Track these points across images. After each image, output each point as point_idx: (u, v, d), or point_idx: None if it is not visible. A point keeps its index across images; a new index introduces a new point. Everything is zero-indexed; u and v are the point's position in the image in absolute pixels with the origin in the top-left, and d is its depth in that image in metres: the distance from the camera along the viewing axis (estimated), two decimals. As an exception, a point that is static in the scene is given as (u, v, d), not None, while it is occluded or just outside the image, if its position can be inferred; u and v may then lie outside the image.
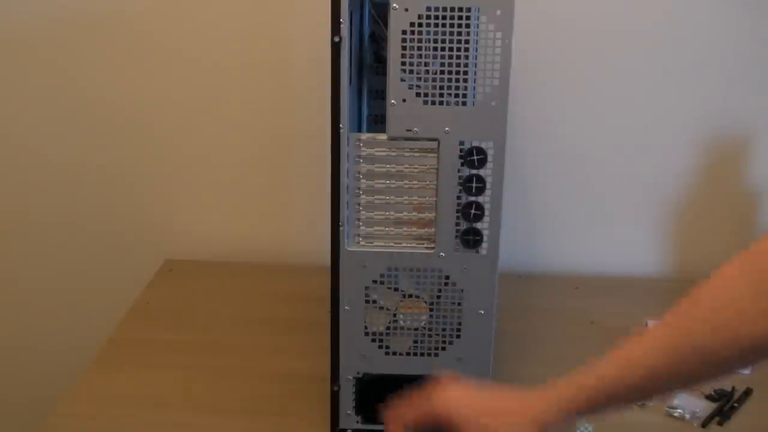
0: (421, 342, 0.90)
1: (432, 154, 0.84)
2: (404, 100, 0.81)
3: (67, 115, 1.39)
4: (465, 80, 0.81)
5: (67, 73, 1.37)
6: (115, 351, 1.13)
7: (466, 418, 0.69)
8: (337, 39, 0.80)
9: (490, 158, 0.83)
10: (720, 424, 0.98)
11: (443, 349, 0.90)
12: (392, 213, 0.87)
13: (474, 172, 0.83)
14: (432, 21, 0.79)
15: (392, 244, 0.87)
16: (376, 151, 0.85)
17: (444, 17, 0.79)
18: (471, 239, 0.85)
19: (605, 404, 0.66)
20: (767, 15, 1.28)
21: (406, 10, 0.79)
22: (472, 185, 0.83)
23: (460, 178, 0.84)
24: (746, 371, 1.08)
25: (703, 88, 1.32)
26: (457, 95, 0.81)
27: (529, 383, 1.06)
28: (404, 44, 0.80)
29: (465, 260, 0.86)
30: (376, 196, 0.86)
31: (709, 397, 1.03)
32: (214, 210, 1.45)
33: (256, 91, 1.37)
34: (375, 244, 0.88)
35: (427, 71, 0.81)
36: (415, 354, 0.90)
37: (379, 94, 1.00)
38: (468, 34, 0.79)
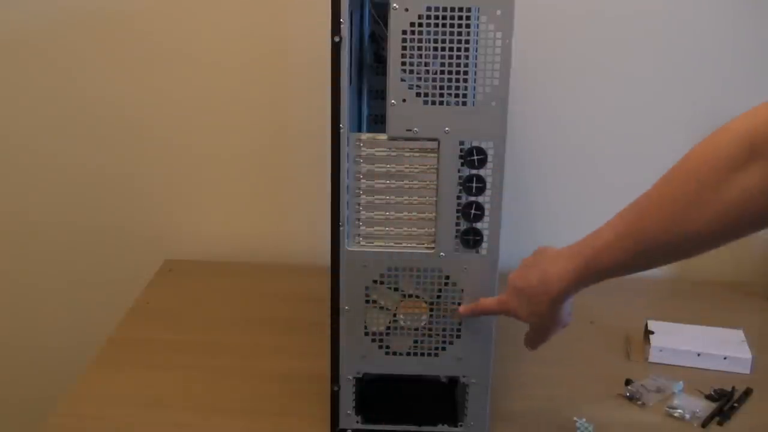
0: (421, 342, 0.90)
1: (432, 154, 0.84)
2: (404, 100, 0.81)
3: (66, 115, 1.39)
4: (465, 80, 0.81)
5: (66, 72, 1.37)
6: (115, 351, 1.13)
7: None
8: (337, 39, 0.80)
9: (490, 158, 0.83)
10: (720, 424, 0.98)
11: (443, 349, 0.90)
12: (392, 213, 0.87)
13: (474, 172, 0.83)
14: (432, 21, 0.79)
15: (392, 244, 0.87)
16: (376, 151, 0.85)
17: (444, 17, 0.79)
18: (471, 239, 0.85)
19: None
20: (767, 15, 1.28)
21: (406, 10, 0.79)
22: (472, 185, 0.83)
23: (460, 178, 0.84)
24: (746, 371, 1.09)
25: (702, 88, 1.32)
26: (457, 95, 0.81)
27: (529, 383, 1.06)
28: (404, 44, 0.80)
29: (465, 260, 0.86)
30: (376, 196, 0.86)
31: (709, 397, 1.03)
32: (214, 210, 1.45)
33: (256, 91, 1.37)
34: (375, 244, 0.88)
35: (427, 71, 0.81)
36: (415, 354, 0.90)
37: (379, 94, 1.00)
38: (468, 34, 0.79)
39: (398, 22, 0.79)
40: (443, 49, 0.80)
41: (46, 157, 1.42)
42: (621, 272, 0.75)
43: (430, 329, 0.89)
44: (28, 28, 1.35)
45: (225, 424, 0.98)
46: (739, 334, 1.15)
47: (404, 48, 0.80)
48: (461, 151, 0.83)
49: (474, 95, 0.81)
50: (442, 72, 0.80)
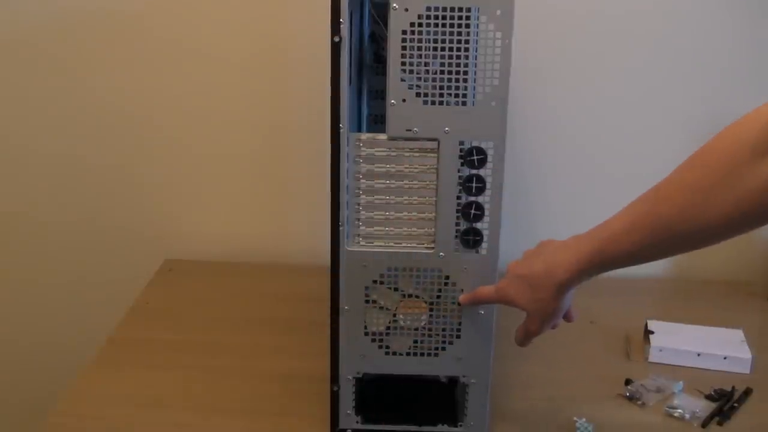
0: (421, 342, 0.90)
1: (432, 154, 0.84)
2: (404, 100, 0.81)
3: (66, 114, 1.40)
4: (465, 80, 0.81)
5: (65, 72, 1.37)
6: (115, 351, 1.13)
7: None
8: (337, 39, 0.80)
9: (490, 158, 0.83)
10: (720, 424, 0.98)
11: (443, 349, 0.90)
12: (392, 213, 0.87)
13: (474, 172, 0.83)
14: (432, 21, 0.79)
15: (392, 244, 0.87)
16: (376, 151, 0.85)
17: (444, 17, 0.79)
18: (471, 239, 0.85)
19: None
20: (766, 15, 1.28)
21: (406, 10, 0.79)
22: (472, 185, 0.83)
23: (460, 178, 0.84)
24: (746, 371, 1.09)
25: (703, 88, 1.32)
26: (457, 95, 0.81)
27: (529, 383, 1.06)
28: (404, 44, 0.80)
29: (465, 260, 0.86)
30: (376, 196, 0.86)
31: (709, 397, 1.03)
32: (214, 210, 1.45)
33: (256, 91, 1.37)
34: (375, 244, 0.88)
35: (427, 71, 0.81)
36: (415, 354, 0.90)
37: (379, 94, 1.00)
38: (468, 34, 0.79)
39: (398, 22, 0.79)
40: (443, 49, 0.80)
41: (45, 156, 1.42)
42: (627, 263, 0.75)
43: (429, 329, 0.89)
44: (28, 27, 1.35)
45: (225, 424, 0.98)
46: (739, 334, 1.15)
47: (404, 48, 0.80)
48: (461, 151, 0.83)
49: (474, 95, 0.81)
50: (442, 72, 0.80)
